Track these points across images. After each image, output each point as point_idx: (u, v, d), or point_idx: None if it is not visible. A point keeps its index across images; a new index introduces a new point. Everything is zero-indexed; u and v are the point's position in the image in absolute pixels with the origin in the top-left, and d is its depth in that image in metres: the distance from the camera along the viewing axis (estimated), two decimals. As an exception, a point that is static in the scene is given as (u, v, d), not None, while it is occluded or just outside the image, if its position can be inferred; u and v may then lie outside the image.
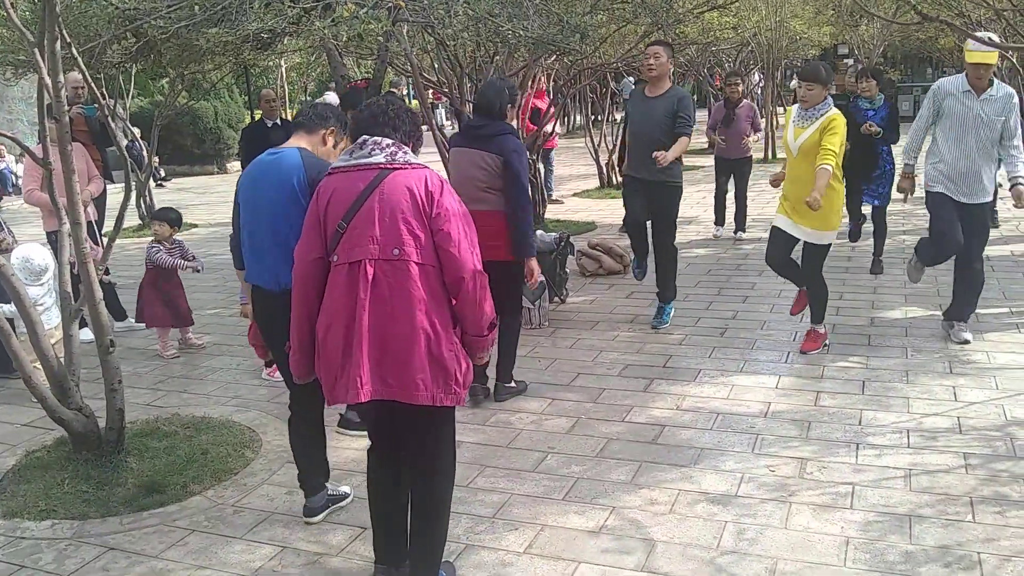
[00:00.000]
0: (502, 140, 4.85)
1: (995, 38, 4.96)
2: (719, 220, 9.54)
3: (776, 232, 5.50)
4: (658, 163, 5.66)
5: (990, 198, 5.54)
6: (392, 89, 11.81)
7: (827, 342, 5.59)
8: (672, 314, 6.38)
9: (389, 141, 2.98)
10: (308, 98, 28.36)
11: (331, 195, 2.95)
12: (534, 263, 4.91)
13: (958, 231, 5.35)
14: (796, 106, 5.42)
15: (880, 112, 7.24)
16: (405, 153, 2.98)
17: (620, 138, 11.61)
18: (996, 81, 5.32)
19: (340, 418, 4.67)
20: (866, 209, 7.81)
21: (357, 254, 2.87)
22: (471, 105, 8.69)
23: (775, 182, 5.73)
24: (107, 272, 5.70)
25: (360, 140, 3.01)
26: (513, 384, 5.08)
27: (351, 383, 2.86)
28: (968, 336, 5.53)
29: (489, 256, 4.84)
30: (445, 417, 3.06)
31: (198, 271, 6.42)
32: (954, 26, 3.59)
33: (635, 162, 6.17)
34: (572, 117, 24.80)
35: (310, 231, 2.99)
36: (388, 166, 2.93)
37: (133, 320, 6.84)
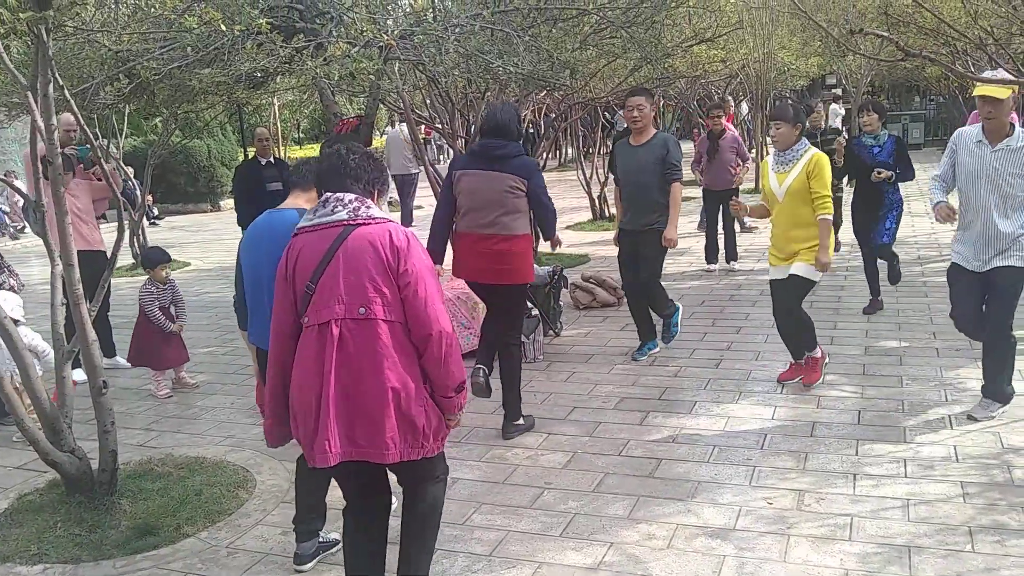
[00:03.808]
0: (523, 160, 4.88)
1: (1005, 74, 4.56)
2: (711, 258, 9.46)
3: (775, 286, 5.48)
4: (670, 246, 5.95)
5: (1011, 262, 4.61)
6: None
7: (827, 361, 5.61)
8: (678, 330, 6.40)
9: (352, 196, 2.94)
10: (301, 135, 28.47)
11: (298, 256, 2.92)
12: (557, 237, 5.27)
13: (968, 309, 4.81)
14: (771, 155, 5.45)
15: (887, 148, 6.91)
16: (368, 208, 2.94)
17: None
18: (1019, 129, 4.58)
19: (295, 555, 3.71)
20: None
21: (324, 315, 2.83)
22: (462, 140, 8.80)
23: (744, 212, 5.66)
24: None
25: (323, 198, 2.97)
26: (521, 421, 5.02)
27: (319, 447, 2.82)
28: (993, 413, 4.81)
29: (500, 280, 4.90)
30: (427, 461, 3.00)
31: (178, 330, 6.26)
32: (935, 61, 3.60)
33: (626, 214, 6.23)
34: (564, 150, 24.96)
35: (280, 294, 2.96)
36: (352, 222, 2.89)
37: (121, 359, 6.82)
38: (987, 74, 4.50)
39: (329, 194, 2.97)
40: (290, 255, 2.95)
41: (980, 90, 4.51)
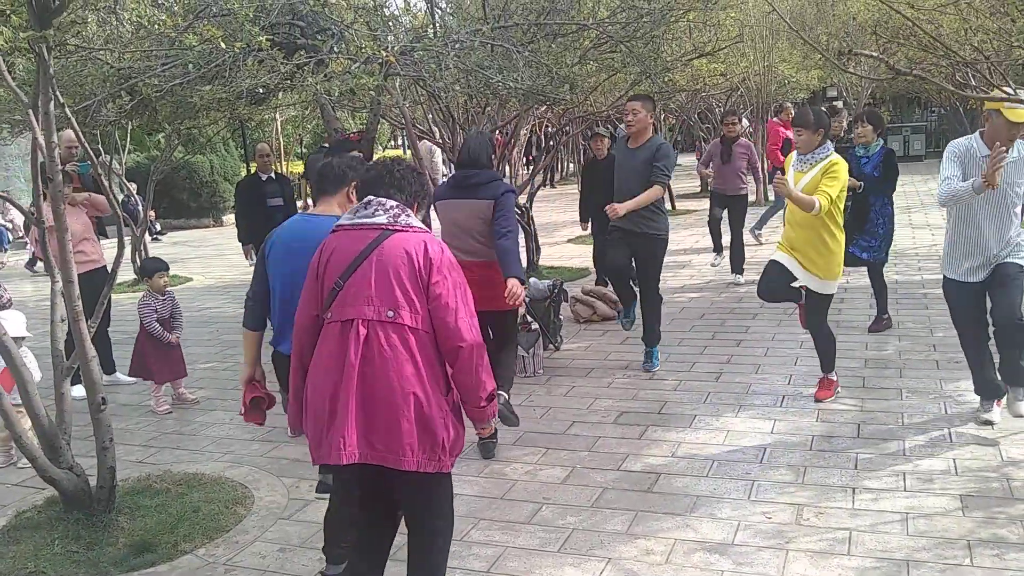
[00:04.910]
0: (493, 185, 4.98)
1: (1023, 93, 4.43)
2: (717, 248, 9.41)
3: (772, 265, 5.40)
4: (610, 215, 5.85)
5: (1015, 259, 4.68)
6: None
7: (839, 388, 5.54)
8: (658, 356, 6.39)
9: (394, 203, 3.00)
10: (304, 150, 28.62)
11: (332, 253, 2.97)
12: (516, 284, 4.68)
13: (977, 328, 4.82)
14: (796, 153, 5.44)
15: (874, 159, 6.71)
16: (408, 216, 2.99)
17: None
18: (1018, 141, 4.60)
19: (319, 483, 4.20)
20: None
21: (350, 313, 2.86)
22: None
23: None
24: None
25: (365, 200, 3.02)
26: (505, 396, 4.90)
27: (334, 444, 2.81)
28: None
29: (485, 307, 4.88)
30: (437, 480, 2.98)
31: (175, 341, 6.25)
32: (925, 78, 3.61)
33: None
34: (564, 164, 25.02)
35: (309, 287, 3.01)
36: (390, 227, 2.94)
37: (121, 375, 6.82)
38: (1007, 90, 4.36)
39: (372, 197, 3.02)
40: (324, 251, 3.00)
41: (1019, 115, 4.41)
